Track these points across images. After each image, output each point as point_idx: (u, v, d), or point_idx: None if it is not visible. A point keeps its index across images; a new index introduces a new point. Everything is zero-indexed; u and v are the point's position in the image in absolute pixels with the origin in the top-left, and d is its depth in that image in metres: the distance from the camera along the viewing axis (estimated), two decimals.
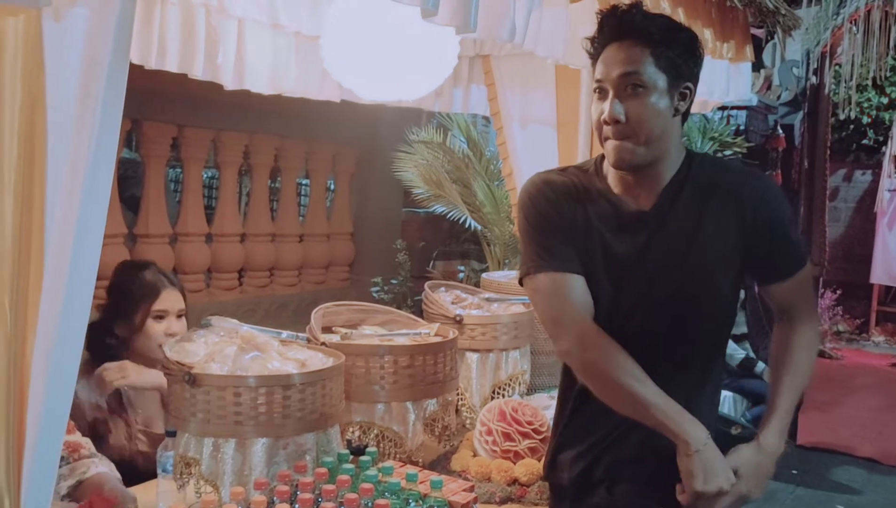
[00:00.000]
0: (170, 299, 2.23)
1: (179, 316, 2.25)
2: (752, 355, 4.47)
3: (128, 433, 2.15)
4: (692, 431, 1.46)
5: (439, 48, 2.02)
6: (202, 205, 4.43)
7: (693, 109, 2.93)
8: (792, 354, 1.62)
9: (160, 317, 2.20)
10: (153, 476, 2.05)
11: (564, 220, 1.57)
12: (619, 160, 1.51)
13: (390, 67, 1.99)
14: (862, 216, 8.99)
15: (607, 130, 1.50)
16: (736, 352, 4.82)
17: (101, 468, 1.80)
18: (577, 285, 1.54)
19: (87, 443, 1.87)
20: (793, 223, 1.60)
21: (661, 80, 1.47)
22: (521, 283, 1.62)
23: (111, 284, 2.31)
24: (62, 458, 1.67)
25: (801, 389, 1.62)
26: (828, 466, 4.72)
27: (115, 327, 2.21)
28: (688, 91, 1.53)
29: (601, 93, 1.52)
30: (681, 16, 2.03)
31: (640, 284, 1.55)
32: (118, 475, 1.83)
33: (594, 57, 1.54)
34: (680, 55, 1.49)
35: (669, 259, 1.54)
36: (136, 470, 2.04)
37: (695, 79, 1.55)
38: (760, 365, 4.46)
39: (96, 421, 2.13)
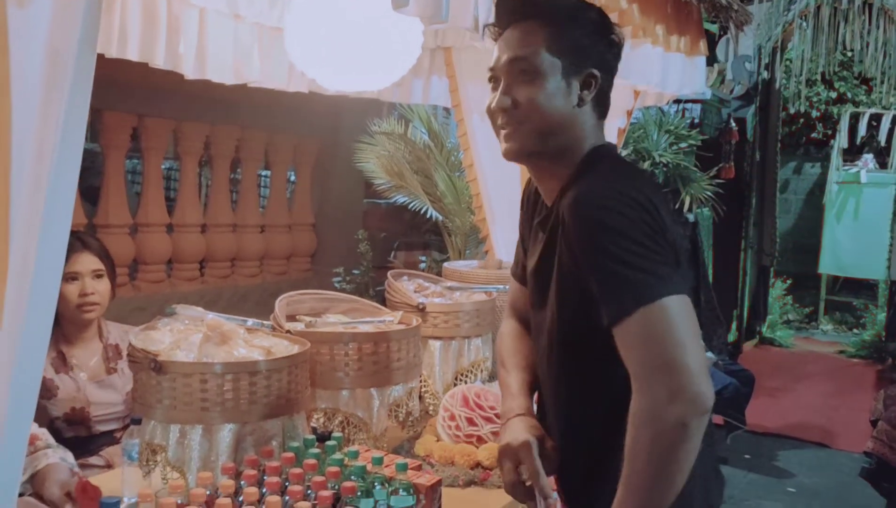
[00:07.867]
0: (80, 262, 2.28)
1: (98, 277, 2.30)
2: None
3: (76, 386, 2.26)
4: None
5: (403, 39, 2.04)
6: (162, 195, 4.40)
7: (649, 103, 3.05)
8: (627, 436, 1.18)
9: (72, 279, 2.25)
10: (107, 423, 2.26)
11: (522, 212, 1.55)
12: (504, 151, 1.36)
13: (354, 58, 2.01)
14: (811, 208, 9.26)
15: (498, 120, 1.36)
16: None
17: (54, 458, 1.81)
18: None
19: (42, 434, 1.89)
20: (605, 253, 1.17)
21: (556, 66, 1.30)
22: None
23: None
24: None
25: (636, 489, 1.16)
26: (779, 451, 4.85)
27: None
28: (593, 80, 1.32)
29: (494, 82, 1.36)
30: (636, 11, 2.08)
31: (532, 294, 1.45)
32: (73, 462, 1.86)
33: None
34: (586, 36, 1.32)
35: (546, 269, 1.36)
36: (90, 420, 2.24)
37: (605, 65, 1.34)
38: (709, 355, 4.57)
39: (44, 380, 2.19)
